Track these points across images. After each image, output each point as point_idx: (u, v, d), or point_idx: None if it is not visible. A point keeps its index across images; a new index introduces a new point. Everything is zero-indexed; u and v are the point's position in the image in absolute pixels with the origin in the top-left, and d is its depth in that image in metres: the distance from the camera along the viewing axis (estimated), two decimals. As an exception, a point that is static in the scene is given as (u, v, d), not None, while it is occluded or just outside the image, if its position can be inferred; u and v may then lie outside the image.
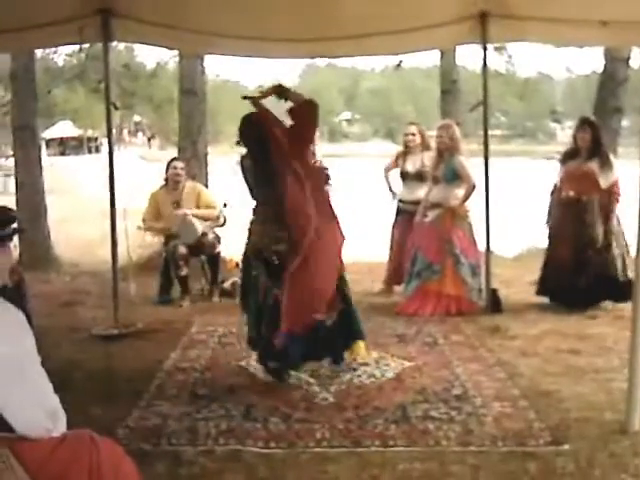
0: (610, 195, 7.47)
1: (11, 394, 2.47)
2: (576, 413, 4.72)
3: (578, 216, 7.46)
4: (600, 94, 11.63)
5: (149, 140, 56.31)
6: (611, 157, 7.59)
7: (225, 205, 8.34)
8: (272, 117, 5.41)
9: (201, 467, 4.05)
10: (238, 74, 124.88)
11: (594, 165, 7.44)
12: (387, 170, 8.70)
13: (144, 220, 8.49)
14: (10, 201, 10.85)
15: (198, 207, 8.39)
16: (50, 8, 6.52)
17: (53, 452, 2.53)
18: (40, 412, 2.55)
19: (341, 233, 5.55)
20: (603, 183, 7.41)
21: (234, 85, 65.73)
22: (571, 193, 7.52)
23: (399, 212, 8.54)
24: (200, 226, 8.22)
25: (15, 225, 2.84)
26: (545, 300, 7.81)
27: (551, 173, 7.94)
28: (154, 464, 4.04)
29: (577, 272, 7.41)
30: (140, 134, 59.46)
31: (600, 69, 11.89)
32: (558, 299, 7.68)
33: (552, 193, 7.80)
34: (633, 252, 4.88)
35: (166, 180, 8.55)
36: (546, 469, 3.94)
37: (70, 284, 9.62)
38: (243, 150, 5.54)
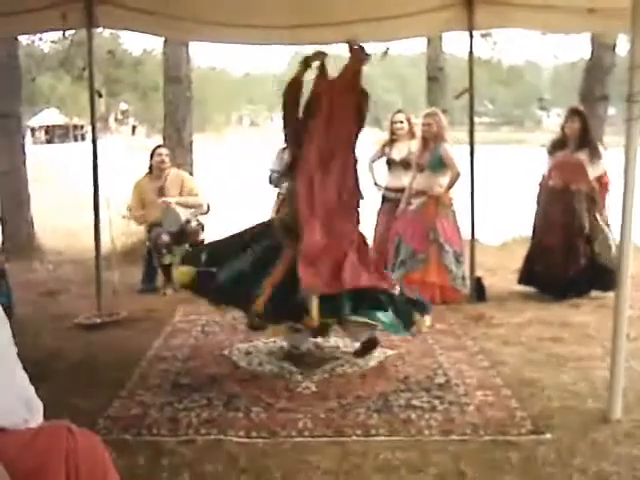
0: (599, 185, 7.49)
1: None
2: (558, 402, 4.73)
3: (567, 206, 7.47)
4: (587, 81, 11.61)
5: (134, 129, 56.14)
6: (600, 147, 7.60)
7: None
8: None
9: (182, 457, 4.02)
10: (225, 61, 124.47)
11: (583, 155, 7.45)
12: (372, 160, 8.64)
13: (129, 209, 8.46)
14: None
15: (181, 194, 8.36)
16: (33, -6, 6.47)
17: (30, 443, 2.50)
18: (17, 403, 2.52)
19: None
20: (592, 173, 7.42)
21: (220, 73, 65.55)
22: (560, 183, 7.52)
23: (384, 200, 8.51)
24: (183, 214, 8.17)
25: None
26: (529, 288, 7.82)
27: (539, 161, 7.93)
28: (135, 454, 4.02)
29: (566, 262, 7.43)
30: (128, 122, 59.26)
31: (587, 56, 11.86)
32: (545, 289, 7.68)
33: (540, 183, 7.81)
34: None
35: (150, 168, 8.51)
36: (528, 458, 3.94)
37: (53, 273, 9.57)
38: None
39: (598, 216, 7.51)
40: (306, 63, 5.71)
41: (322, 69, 5.73)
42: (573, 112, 7.70)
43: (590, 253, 7.46)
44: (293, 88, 5.76)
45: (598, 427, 4.29)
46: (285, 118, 5.86)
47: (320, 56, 5.72)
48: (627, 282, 4.35)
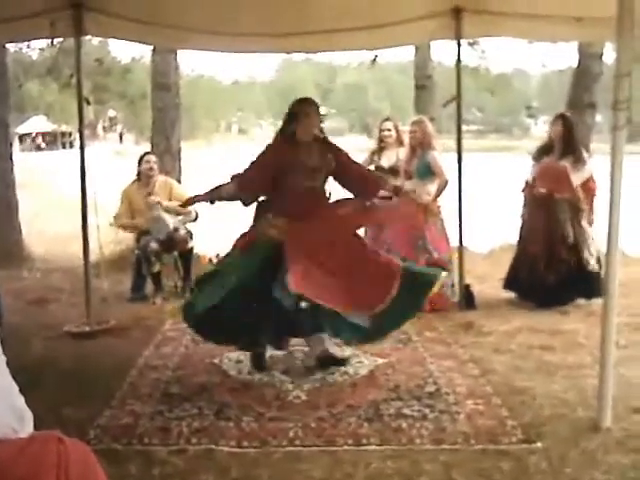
0: (584, 192, 7.52)
1: None
2: (548, 410, 4.73)
3: (550, 213, 7.51)
4: (574, 89, 11.65)
5: (121, 136, 56.13)
6: (584, 154, 7.62)
7: None
8: None
9: (173, 467, 4.01)
10: (213, 69, 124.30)
11: (567, 162, 7.47)
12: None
13: (116, 217, 8.43)
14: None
15: (170, 201, 8.34)
16: (22, 1, 6.43)
17: (20, 453, 2.48)
18: (6, 412, 2.50)
19: None
20: (576, 180, 7.44)
21: (209, 80, 65.49)
22: (543, 190, 7.55)
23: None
24: (171, 220, 8.17)
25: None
26: (514, 294, 7.87)
27: (525, 169, 7.95)
28: (126, 464, 4.00)
29: (548, 269, 7.46)
30: (116, 129, 59.10)
31: (575, 64, 11.92)
32: (527, 296, 7.71)
33: (523, 190, 7.84)
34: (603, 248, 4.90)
35: (138, 175, 8.50)
36: (519, 467, 3.94)
37: (42, 281, 9.53)
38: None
39: (583, 223, 7.53)
40: None
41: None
42: (558, 117, 7.75)
43: (574, 261, 7.49)
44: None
45: (589, 435, 4.30)
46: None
47: None
48: (615, 289, 4.36)
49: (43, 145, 56.44)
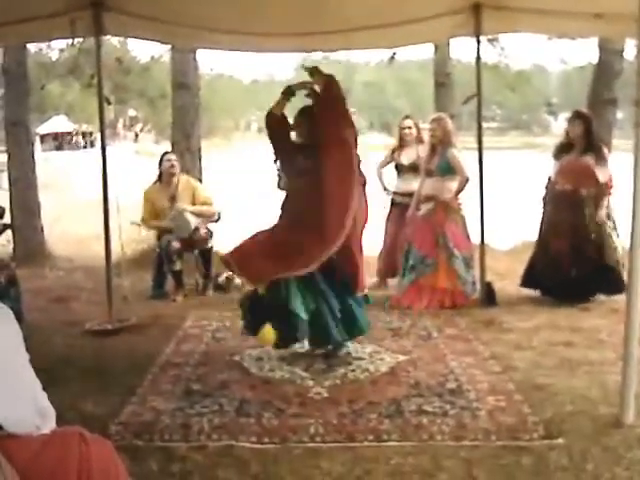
0: (604, 188, 7.47)
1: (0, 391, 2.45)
2: (570, 407, 4.71)
3: (574, 209, 7.46)
4: (594, 86, 11.56)
5: (136, 135, 56.20)
6: (605, 150, 7.57)
7: None
8: None
9: (193, 463, 4.03)
10: (232, 68, 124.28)
11: (590, 159, 7.42)
12: (381, 166, 8.69)
13: (144, 220, 8.46)
14: (4, 197, 10.86)
15: (194, 203, 8.37)
16: (41, 1, 6.46)
17: (42, 449, 2.50)
18: (29, 409, 2.53)
19: None
20: (601, 177, 7.38)
21: (228, 79, 65.59)
22: (567, 186, 7.50)
23: (393, 204, 8.55)
24: (194, 220, 8.19)
25: (3, 221, 2.82)
26: (534, 292, 7.84)
27: (547, 166, 7.91)
28: (146, 460, 4.02)
29: (572, 265, 7.41)
30: (136, 128, 59.13)
31: (595, 60, 11.83)
32: (550, 292, 7.68)
33: (546, 187, 7.80)
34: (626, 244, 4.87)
35: (159, 175, 8.52)
36: (540, 463, 3.93)
37: (64, 279, 9.59)
38: None
39: (605, 219, 7.48)
40: (287, 93, 5.86)
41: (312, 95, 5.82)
42: (576, 116, 7.69)
43: (597, 256, 7.45)
44: (272, 121, 6.01)
45: (610, 432, 4.28)
46: (274, 149, 6.08)
47: (304, 85, 5.86)
48: (638, 286, 4.33)
49: (82, 143, 56.47)
